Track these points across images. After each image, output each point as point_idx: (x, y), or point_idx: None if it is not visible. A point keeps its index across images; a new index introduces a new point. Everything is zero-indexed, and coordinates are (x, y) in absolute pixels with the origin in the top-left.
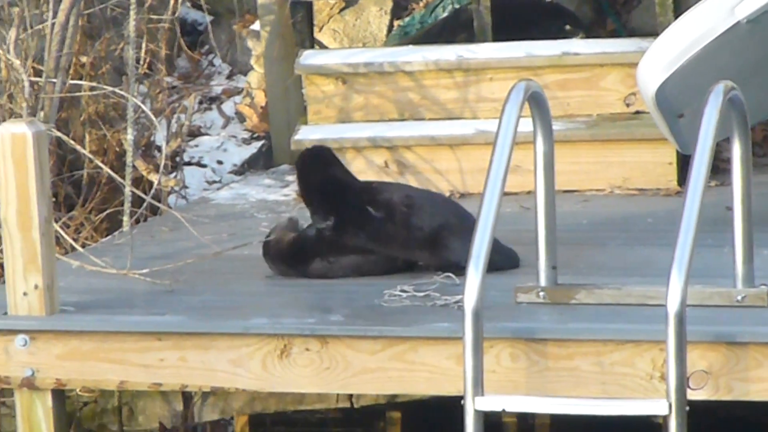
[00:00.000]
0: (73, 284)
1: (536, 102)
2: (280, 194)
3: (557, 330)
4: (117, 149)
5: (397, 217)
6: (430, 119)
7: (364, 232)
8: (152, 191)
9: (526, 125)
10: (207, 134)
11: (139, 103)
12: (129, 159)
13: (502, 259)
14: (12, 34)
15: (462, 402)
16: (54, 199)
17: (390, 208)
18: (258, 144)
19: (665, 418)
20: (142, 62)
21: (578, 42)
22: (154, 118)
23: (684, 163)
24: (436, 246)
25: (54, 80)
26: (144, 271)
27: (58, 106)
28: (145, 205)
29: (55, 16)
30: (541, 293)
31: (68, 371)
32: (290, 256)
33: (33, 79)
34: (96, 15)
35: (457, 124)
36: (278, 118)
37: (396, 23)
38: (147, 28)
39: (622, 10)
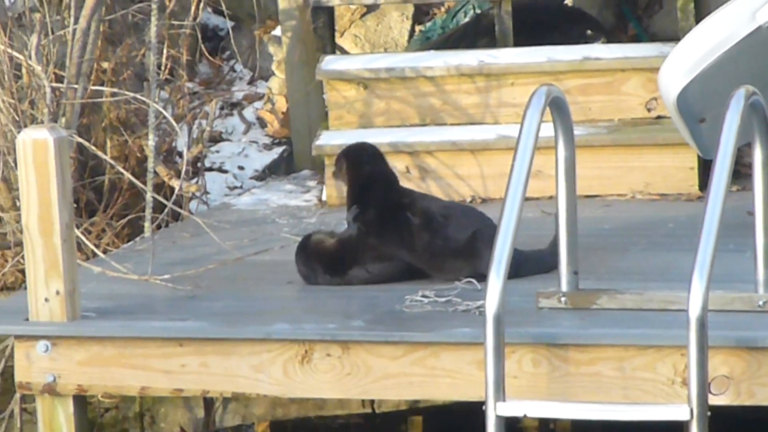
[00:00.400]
0: (94, 290)
1: (557, 107)
2: (301, 200)
3: (579, 335)
4: (138, 155)
5: (434, 225)
6: (451, 124)
7: (400, 236)
8: (173, 197)
9: (548, 130)
10: (228, 140)
11: (161, 109)
12: (150, 165)
13: (532, 267)
14: (33, 40)
15: (483, 407)
16: (75, 205)
17: (428, 216)
18: (279, 149)
19: (687, 423)
20: (163, 68)
21: (600, 47)
22: (175, 124)
23: (705, 168)
24: (469, 256)
25: (75, 86)
26: (165, 276)
27: (79, 112)
28: (166, 210)
29: (76, 22)
30: (563, 298)
31: (90, 377)
32: (332, 259)
33: (54, 85)
34: (117, 21)
35: (479, 129)
36: (299, 123)
37: (417, 28)
38: (168, 33)
39: (643, 15)
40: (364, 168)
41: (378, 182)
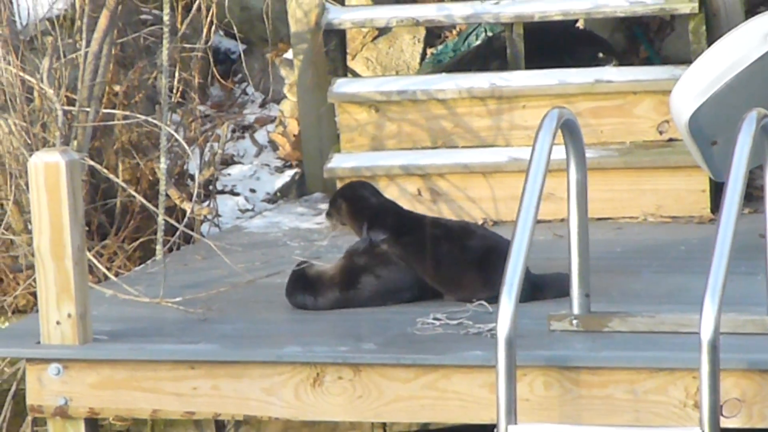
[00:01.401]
0: (106, 313)
1: (569, 129)
2: (312, 222)
3: (590, 358)
4: (150, 178)
5: (453, 236)
6: (463, 147)
7: (422, 247)
8: (185, 220)
9: (559, 153)
10: (240, 163)
11: (173, 132)
12: (162, 188)
13: (549, 291)
14: (45, 63)
15: (495, 430)
16: (87, 228)
17: (446, 228)
18: (291, 172)
19: None
20: (175, 91)
21: (611, 69)
22: (187, 147)
23: (717, 190)
24: (485, 268)
25: (87, 109)
26: (177, 299)
27: (91, 135)
28: (178, 233)
29: (88, 45)
30: (575, 321)
31: (101, 400)
32: (343, 281)
33: (66, 108)
34: (129, 44)
35: (491, 152)
36: (311, 146)
37: (429, 51)
38: (180, 56)
39: (655, 38)
40: (370, 200)
41: (389, 210)
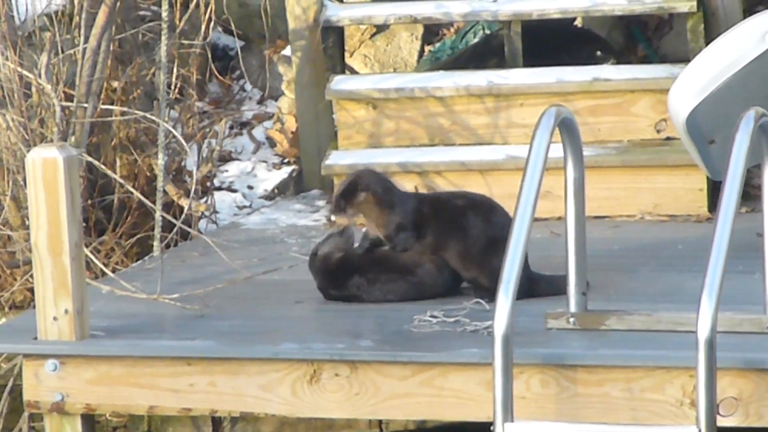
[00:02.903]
0: (103, 309)
1: (567, 128)
2: (310, 219)
3: (587, 356)
4: (148, 174)
5: (480, 209)
6: (460, 145)
7: (454, 221)
8: (183, 216)
9: (557, 151)
10: (238, 159)
11: (170, 128)
12: (160, 184)
13: (546, 288)
14: (43, 58)
15: (491, 428)
16: (84, 224)
17: (469, 199)
18: (288, 169)
19: None
20: (173, 87)
21: (609, 68)
22: (184, 143)
23: (715, 189)
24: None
25: (85, 105)
26: (174, 296)
27: (89, 131)
28: (175, 230)
29: (86, 41)
30: (571, 319)
31: (98, 396)
32: (335, 274)
33: (64, 104)
34: (127, 40)
35: (488, 150)
36: (309, 143)
37: (427, 49)
38: (178, 53)
39: (653, 37)
40: (396, 191)
41: (409, 195)
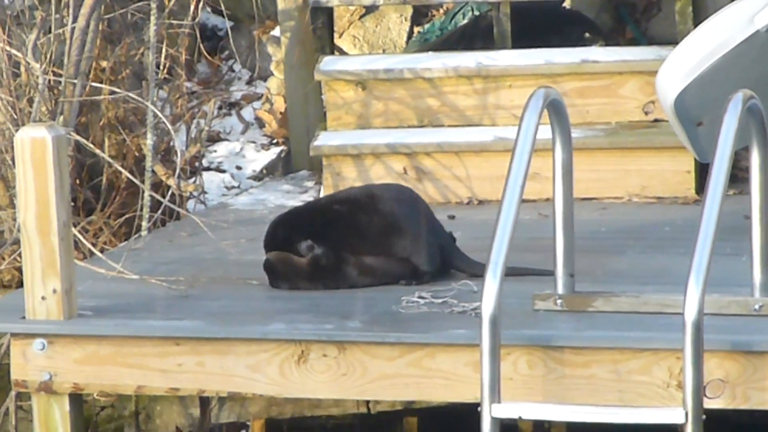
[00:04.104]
0: (91, 289)
1: (555, 109)
2: (298, 200)
3: (574, 338)
4: (136, 154)
5: (364, 206)
6: (449, 126)
7: (339, 232)
8: (169, 194)
9: (545, 132)
10: (226, 140)
11: (156, 111)
12: (148, 164)
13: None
14: (32, 37)
15: (479, 409)
16: (73, 204)
17: (352, 202)
18: (277, 150)
19: (682, 426)
20: (162, 67)
21: (597, 50)
22: (170, 126)
23: (702, 171)
24: (405, 237)
25: (74, 81)
26: (162, 276)
27: (77, 111)
28: (162, 208)
29: (75, 20)
30: (559, 301)
31: (86, 375)
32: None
33: (53, 79)
34: (116, 20)
35: (476, 131)
36: (298, 124)
37: (416, 30)
38: (167, 33)
39: (641, 19)
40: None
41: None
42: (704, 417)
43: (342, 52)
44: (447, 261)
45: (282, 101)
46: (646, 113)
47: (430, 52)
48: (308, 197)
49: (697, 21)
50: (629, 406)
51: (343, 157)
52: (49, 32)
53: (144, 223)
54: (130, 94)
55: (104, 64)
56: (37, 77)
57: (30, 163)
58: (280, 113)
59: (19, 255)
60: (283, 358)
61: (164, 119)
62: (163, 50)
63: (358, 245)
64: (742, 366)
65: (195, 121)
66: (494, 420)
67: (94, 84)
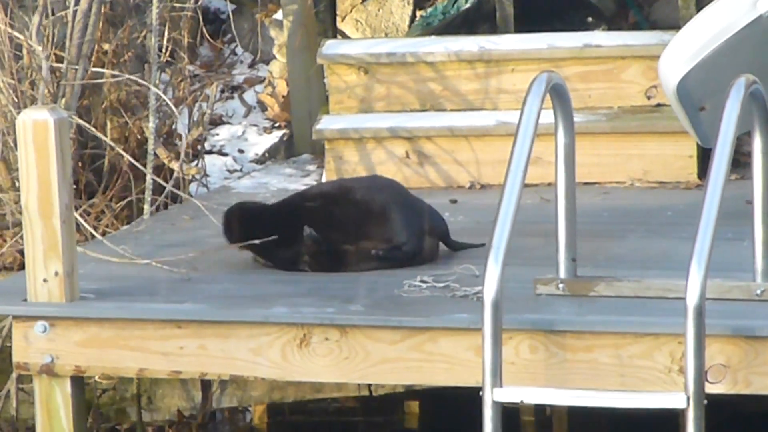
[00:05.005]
0: (93, 271)
1: (557, 94)
2: (300, 183)
3: (576, 322)
4: (138, 137)
5: (339, 199)
6: (451, 110)
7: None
8: (173, 179)
9: (547, 117)
10: (228, 123)
11: (160, 93)
12: (150, 147)
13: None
14: (35, 20)
15: (480, 393)
16: (75, 187)
17: (324, 195)
18: (279, 133)
19: (683, 411)
20: (164, 50)
21: (600, 34)
22: (174, 108)
23: (704, 156)
24: (383, 221)
25: (76, 67)
26: (164, 259)
27: (79, 94)
28: (165, 192)
29: (77, 2)
30: (561, 285)
31: (87, 358)
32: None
33: (55, 65)
34: (118, 2)
35: (478, 116)
36: (300, 107)
37: (418, 13)
38: (170, 16)
39: (644, 3)
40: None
41: (258, 217)
42: (706, 402)
43: (344, 36)
44: (433, 241)
45: (284, 85)
46: (649, 98)
47: (433, 36)
48: (310, 181)
49: (700, 6)
50: (631, 390)
51: (345, 141)
52: (52, 14)
53: (146, 207)
54: (133, 77)
55: (106, 47)
56: (41, 60)
57: (32, 146)
58: (283, 97)
59: (21, 237)
60: (285, 341)
61: (169, 102)
62: (166, 33)
63: (337, 238)
64: (743, 351)
65: (197, 104)
66: (496, 404)
67: (95, 69)
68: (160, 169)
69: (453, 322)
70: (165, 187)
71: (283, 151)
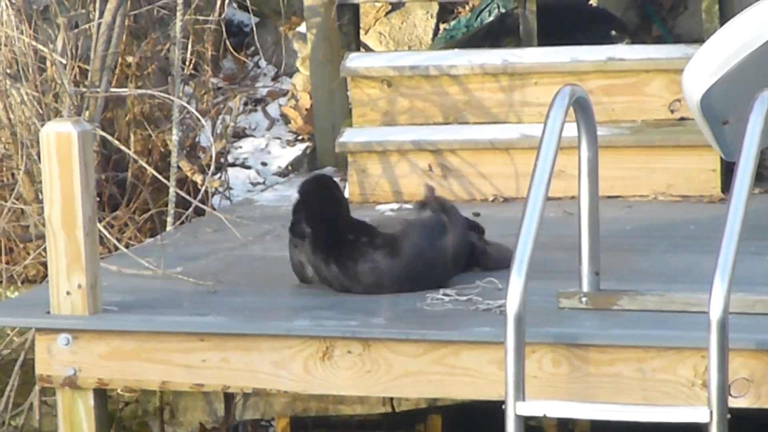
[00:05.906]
0: (116, 284)
1: (581, 107)
2: None
3: (599, 336)
4: (162, 150)
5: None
6: (474, 123)
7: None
8: (199, 193)
9: (571, 130)
10: (252, 136)
11: (185, 104)
12: (174, 160)
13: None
14: (61, 35)
15: (503, 406)
16: (98, 199)
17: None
18: (302, 146)
19: (706, 425)
20: (188, 63)
21: (624, 48)
22: (201, 118)
23: (728, 170)
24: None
25: (100, 80)
26: (187, 271)
27: (103, 106)
28: (192, 208)
29: (101, 15)
30: (584, 299)
31: (110, 371)
32: None
33: (79, 77)
34: (142, 15)
35: (502, 129)
36: (323, 120)
37: (442, 27)
38: (193, 28)
39: (667, 17)
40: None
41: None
42: (729, 416)
43: (368, 49)
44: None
45: (307, 97)
46: (672, 111)
47: (456, 49)
48: None
49: (724, 19)
50: (654, 404)
51: (368, 153)
52: (76, 27)
53: (169, 219)
54: (155, 92)
55: (130, 59)
56: (63, 73)
57: (56, 158)
58: (306, 109)
59: (44, 250)
60: (307, 354)
61: (194, 113)
62: (189, 46)
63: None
64: (767, 365)
65: (220, 117)
66: (519, 418)
67: (119, 84)
68: (183, 182)
69: (476, 335)
70: (187, 200)
71: (307, 164)
